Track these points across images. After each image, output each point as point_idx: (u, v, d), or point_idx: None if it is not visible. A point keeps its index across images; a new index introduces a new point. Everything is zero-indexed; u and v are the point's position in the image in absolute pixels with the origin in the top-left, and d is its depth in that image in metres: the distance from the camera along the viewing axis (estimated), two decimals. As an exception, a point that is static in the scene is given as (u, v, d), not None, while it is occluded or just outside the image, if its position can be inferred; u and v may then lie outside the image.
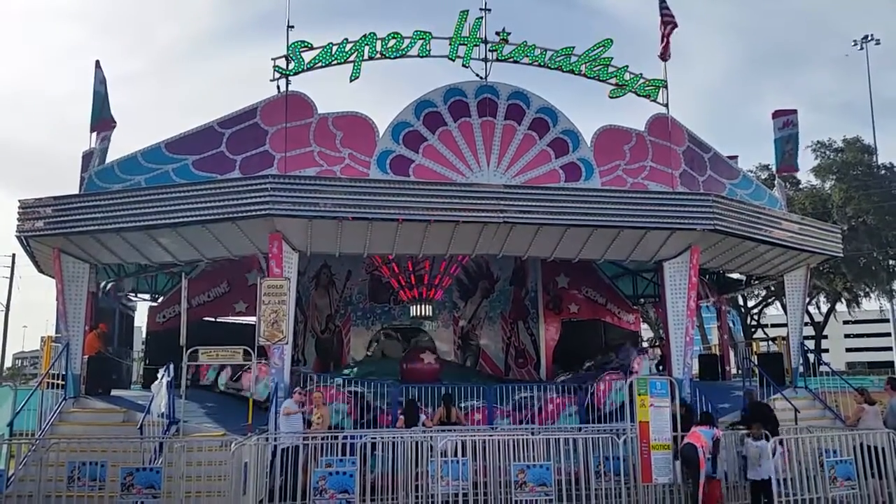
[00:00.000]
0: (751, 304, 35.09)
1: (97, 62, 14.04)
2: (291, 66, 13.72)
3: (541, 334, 20.38)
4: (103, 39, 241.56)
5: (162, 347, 16.27)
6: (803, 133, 17.91)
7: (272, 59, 13.73)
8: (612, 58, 15.03)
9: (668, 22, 15.71)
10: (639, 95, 15.32)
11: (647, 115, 15.49)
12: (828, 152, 31.95)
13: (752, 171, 30.64)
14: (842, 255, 17.16)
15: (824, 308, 35.12)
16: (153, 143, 13.62)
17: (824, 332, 36.32)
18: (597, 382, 13.74)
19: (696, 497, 9.74)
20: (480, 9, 14.61)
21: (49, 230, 12.77)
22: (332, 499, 8.87)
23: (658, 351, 17.90)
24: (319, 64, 13.80)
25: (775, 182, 19.22)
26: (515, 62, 14.75)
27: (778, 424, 11.37)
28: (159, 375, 12.31)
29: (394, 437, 10.38)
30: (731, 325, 29.92)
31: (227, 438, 10.36)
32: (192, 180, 12.99)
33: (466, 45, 14.40)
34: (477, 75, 14.55)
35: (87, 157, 13.57)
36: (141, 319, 21.66)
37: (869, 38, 36.13)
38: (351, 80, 13.92)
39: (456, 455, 10.02)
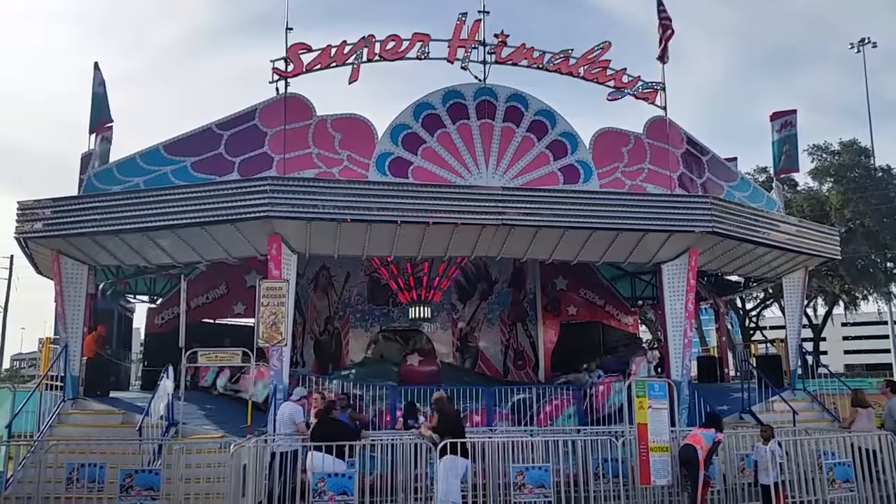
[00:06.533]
0: (749, 306, 35.11)
1: (96, 64, 14.05)
2: (290, 67, 13.74)
3: (539, 336, 20.41)
4: (101, 40, 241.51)
5: (161, 349, 16.29)
6: (804, 134, 17.99)
7: (271, 60, 13.75)
8: (610, 60, 15.08)
9: (666, 25, 15.74)
10: (637, 98, 15.36)
11: (646, 118, 15.51)
12: (825, 155, 31.98)
13: (750, 174, 30.66)
14: (840, 257, 17.19)
15: (822, 310, 35.14)
16: (152, 144, 13.62)
17: (822, 335, 36.32)
18: (596, 385, 13.78)
19: (695, 498, 9.76)
20: (479, 11, 14.65)
21: (48, 232, 12.77)
22: (332, 501, 8.86)
23: (657, 353, 17.92)
24: (318, 66, 13.83)
25: (773, 184, 19.25)
26: (514, 64, 14.77)
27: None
28: (162, 379, 12.32)
29: (393, 439, 10.39)
30: (729, 327, 29.95)
31: (226, 440, 10.35)
32: (190, 182, 13.00)
33: (465, 47, 14.43)
34: (475, 77, 14.56)
35: (86, 158, 13.58)
36: (140, 321, 21.71)
37: (866, 41, 36.08)
38: (350, 83, 13.95)
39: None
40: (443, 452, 9.53)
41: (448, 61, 14.36)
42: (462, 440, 9.68)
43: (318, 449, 9.43)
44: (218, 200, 12.03)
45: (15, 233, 12.82)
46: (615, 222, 13.02)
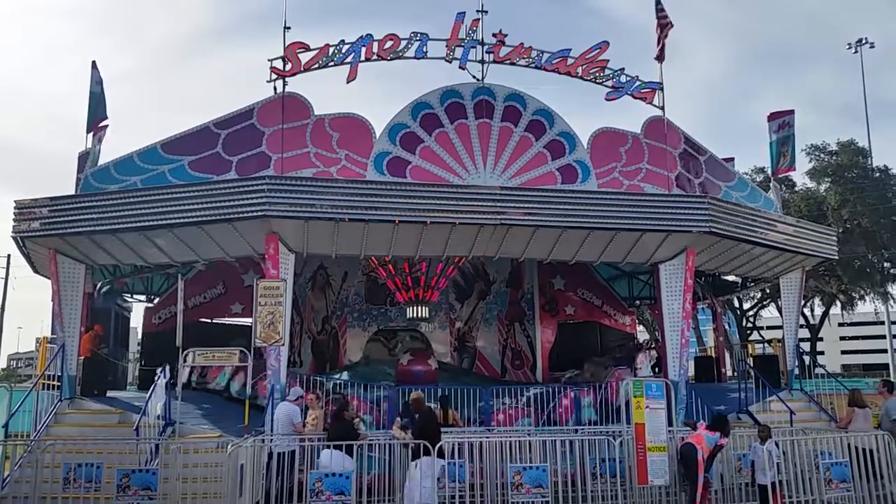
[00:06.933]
0: (746, 306, 35.20)
1: (94, 62, 13.98)
2: (288, 67, 13.72)
3: (537, 336, 20.41)
4: (98, 38, 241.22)
5: (158, 348, 16.26)
6: (803, 134, 18.04)
7: (269, 59, 13.73)
8: (608, 60, 15.08)
9: (663, 24, 15.73)
10: (635, 98, 15.35)
11: (644, 118, 15.51)
12: (822, 155, 32.05)
13: (747, 174, 30.73)
14: (837, 257, 17.22)
15: (819, 310, 35.23)
16: (149, 143, 13.59)
17: (819, 335, 36.39)
18: (609, 378, 13.80)
19: (694, 499, 9.75)
20: (477, 10, 14.65)
21: (45, 231, 12.74)
22: (329, 500, 8.85)
23: (655, 352, 17.92)
24: (316, 65, 13.81)
25: (771, 185, 19.27)
26: (512, 64, 14.77)
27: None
28: (159, 379, 12.29)
29: (390, 439, 10.39)
30: (726, 327, 29.98)
31: (224, 440, 10.33)
32: (188, 181, 12.97)
33: (463, 46, 14.42)
34: (474, 77, 14.56)
35: (84, 157, 13.54)
36: (137, 320, 21.66)
37: (864, 41, 36.09)
38: (348, 82, 13.94)
39: (452, 457, 10.03)
40: (418, 454, 9.55)
41: (446, 61, 14.36)
42: (437, 441, 9.63)
43: (336, 447, 9.52)
44: (215, 200, 12.01)
45: (12, 232, 12.79)
46: (613, 222, 13.03)
